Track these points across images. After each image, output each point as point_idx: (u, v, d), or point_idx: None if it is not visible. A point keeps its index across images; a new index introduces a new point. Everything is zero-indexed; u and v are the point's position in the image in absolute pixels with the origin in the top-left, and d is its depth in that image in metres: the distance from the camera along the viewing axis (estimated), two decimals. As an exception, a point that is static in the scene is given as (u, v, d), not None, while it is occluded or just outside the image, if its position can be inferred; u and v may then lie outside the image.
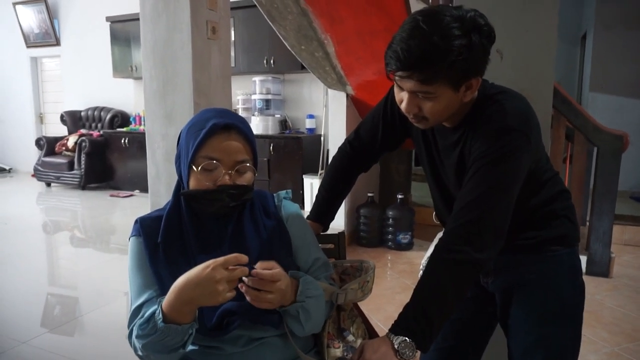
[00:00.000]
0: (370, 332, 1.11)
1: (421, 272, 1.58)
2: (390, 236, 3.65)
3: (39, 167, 6.30)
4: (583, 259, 3.03)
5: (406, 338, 0.84)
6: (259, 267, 0.84)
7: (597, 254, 3.02)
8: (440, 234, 1.60)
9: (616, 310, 2.55)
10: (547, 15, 1.30)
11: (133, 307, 0.89)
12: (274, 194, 1.08)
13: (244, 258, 0.79)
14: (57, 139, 6.45)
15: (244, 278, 0.82)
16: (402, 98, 0.91)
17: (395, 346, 0.84)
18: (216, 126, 0.90)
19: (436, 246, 0.91)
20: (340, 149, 1.27)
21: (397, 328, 0.86)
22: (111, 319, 2.45)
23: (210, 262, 0.77)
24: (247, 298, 0.84)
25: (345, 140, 1.26)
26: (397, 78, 0.88)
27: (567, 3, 5.56)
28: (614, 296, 2.74)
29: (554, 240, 1.02)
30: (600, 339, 2.22)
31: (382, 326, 2.25)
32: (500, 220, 0.88)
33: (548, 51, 1.32)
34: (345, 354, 0.99)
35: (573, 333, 1.04)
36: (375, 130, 1.17)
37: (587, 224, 3.17)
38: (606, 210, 3.00)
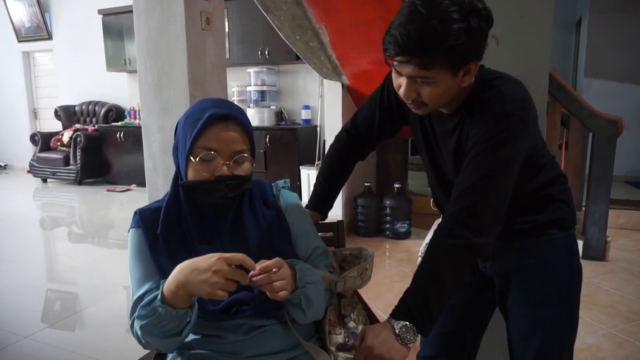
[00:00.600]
0: (371, 319, 1.12)
1: (420, 259, 1.59)
2: (388, 225, 3.67)
3: (35, 163, 6.27)
4: (579, 244, 3.06)
5: (407, 323, 0.85)
6: (258, 267, 0.84)
7: (593, 238, 3.05)
8: (438, 221, 1.60)
9: (612, 293, 2.58)
10: (542, 1, 1.30)
11: (135, 297, 0.90)
12: (272, 184, 1.09)
13: (251, 263, 0.80)
14: (51, 135, 6.41)
15: (254, 279, 0.83)
16: (401, 84, 0.91)
17: (397, 331, 0.85)
18: (213, 116, 0.90)
19: (435, 231, 0.92)
20: (337, 137, 1.27)
21: (398, 313, 0.87)
22: (111, 312, 2.46)
23: (216, 254, 0.79)
24: (267, 291, 0.85)
25: (342, 128, 1.26)
26: (395, 63, 0.88)
27: (562, -11, 5.54)
28: (610, 279, 2.77)
29: (550, 223, 1.03)
30: (597, 321, 2.25)
31: (382, 314, 2.26)
32: (498, 205, 0.89)
33: (544, 37, 1.32)
34: (346, 340, 1.00)
35: (571, 316, 1.05)
36: (372, 117, 1.17)
37: (583, 208, 3.19)
38: (602, 195, 3.02)
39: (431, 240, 0.92)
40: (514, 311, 1.07)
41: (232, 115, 0.91)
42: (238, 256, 0.79)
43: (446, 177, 1.08)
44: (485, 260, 1.11)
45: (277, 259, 0.86)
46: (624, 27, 5.02)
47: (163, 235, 0.93)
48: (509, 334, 1.10)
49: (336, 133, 1.28)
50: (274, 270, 0.84)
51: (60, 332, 2.26)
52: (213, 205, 0.94)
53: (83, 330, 2.34)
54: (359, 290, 1.14)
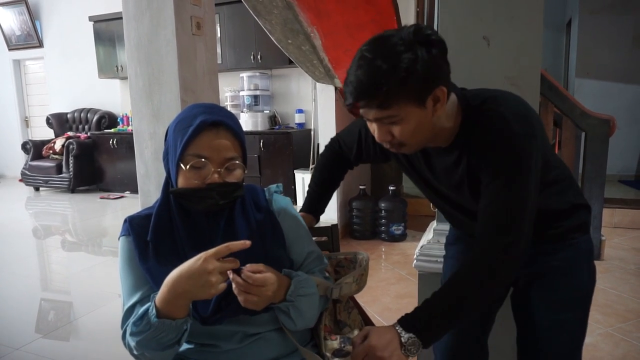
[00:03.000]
0: (367, 323, 1.11)
1: (415, 262, 1.57)
2: (383, 228, 3.66)
3: (27, 172, 6.22)
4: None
5: (415, 337, 0.84)
6: (248, 269, 0.83)
7: (588, 237, 3.05)
8: (433, 224, 1.59)
9: (608, 292, 2.58)
10: (532, 1, 1.30)
11: (126, 307, 0.88)
12: (265, 188, 1.07)
13: (235, 246, 0.78)
14: (43, 143, 6.37)
15: (232, 276, 0.83)
16: (373, 129, 0.91)
17: (403, 340, 0.84)
18: (204, 123, 0.88)
19: (469, 263, 0.89)
20: (328, 146, 1.28)
21: (409, 325, 0.86)
22: (105, 321, 2.43)
23: (201, 255, 0.77)
24: (236, 292, 0.84)
25: (335, 137, 1.27)
26: (362, 111, 0.88)
27: (552, -10, 5.59)
28: (605, 278, 2.77)
29: (576, 228, 1.03)
30: (594, 320, 2.25)
31: (378, 317, 2.26)
32: (529, 227, 0.88)
33: (534, 37, 1.32)
34: (342, 345, 0.99)
35: (586, 316, 1.06)
36: (353, 148, 1.19)
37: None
38: (596, 194, 3.03)
39: (466, 263, 0.90)
40: (535, 313, 1.05)
41: (223, 122, 0.90)
42: (223, 248, 0.78)
43: (459, 202, 1.05)
44: None
45: (267, 275, 0.85)
46: (613, 27, 5.06)
47: (154, 242, 0.92)
48: (525, 335, 1.09)
49: (330, 136, 1.30)
50: (256, 277, 0.83)
51: (54, 342, 2.23)
52: (204, 212, 0.93)
53: (78, 339, 2.31)
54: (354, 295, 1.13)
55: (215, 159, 0.89)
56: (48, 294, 2.95)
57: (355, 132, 1.18)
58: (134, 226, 0.94)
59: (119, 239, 0.96)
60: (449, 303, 0.87)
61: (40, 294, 2.92)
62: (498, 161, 0.88)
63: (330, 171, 1.28)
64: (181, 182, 0.90)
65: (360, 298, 1.16)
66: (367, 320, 1.11)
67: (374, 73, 0.81)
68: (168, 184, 0.96)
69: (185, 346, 0.94)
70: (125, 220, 0.96)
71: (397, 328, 0.86)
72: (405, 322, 0.86)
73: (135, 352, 0.86)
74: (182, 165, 0.89)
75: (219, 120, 0.90)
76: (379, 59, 0.81)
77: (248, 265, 0.84)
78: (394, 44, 0.81)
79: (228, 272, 0.81)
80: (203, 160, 0.89)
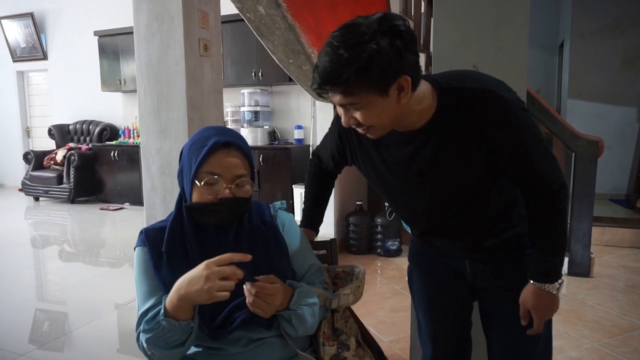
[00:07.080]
0: (362, 331, 1.19)
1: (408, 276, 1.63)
2: (379, 243, 3.74)
3: (27, 182, 6.27)
4: (564, 260, 3.15)
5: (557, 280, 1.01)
6: (262, 279, 0.94)
7: (577, 255, 3.14)
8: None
9: (597, 309, 2.66)
10: (518, 34, 1.41)
11: (140, 311, 0.96)
12: (270, 205, 1.16)
13: (237, 256, 0.87)
14: (45, 153, 6.44)
15: (245, 288, 0.92)
16: (341, 112, 0.93)
17: (558, 289, 1.01)
18: (217, 144, 0.98)
19: (536, 213, 1.00)
20: (310, 162, 1.34)
21: (552, 277, 1.01)
22: (101, 333, 2.44)
23: (205, 262, 0.87)
24: (247, 301, 0.92)
25: (314, 153, 1.33)
26: (329, 94, 0.90)
27: (545, 14, 5.76)
28: (594, 295, 2.85)
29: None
30: (581, 335, 2.32)
31: (373, 330, 2.30)
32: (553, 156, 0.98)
33: (520, 66, 1.42)
34: (339, 351, 1.07)
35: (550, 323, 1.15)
36: (332, 164, 1.25)
37: (568, 226, 3.28)
38: (585, 213, 3.12)
39: (539, 215, 1.00)
40: (507, 321, 1.11)
41: (234, 143, 1.00)
42: (225, 256, 0.87)
43: (415, 197, 1.07)
44: (475, 276, 1.16)
45: (276, 286, 0.95)
46: (603, 50, 5.23)
47: (167, 253, 1.00)
48: (497, 338, 1.15)
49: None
50: (269, 286, 0.93)
51: (49, 354, 2.23)
52: (215, 225, 1.01)
53: (73, 351, 2.30)
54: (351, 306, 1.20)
55: (226, 176, 0.99)
56: (43, 305, 2.94)
57: (328, 149, 1.23)
58: (149, 237, 1.02)
59: (134, 249, 1.04)
60: (552, 245, 1.01)
61: (35, 304, 2.91)
62: (508, 131, 0.91)
63: (318, 185, 1.35)
64: (195, 197, 0.99)
65: (356, 311, 1.24)
66: (362, 329, 1.19)
67: (336, 61, 0.82)
68: (181, 199, 1.04)
69: (193, 349, 1.02)
70: (141, 232, 1.04)
71: (543, 287, 1.00)
72: (548, 277, 1.01)
73: (147, 352, 0.93)
74: (196, 181, 0.98)
75: (230, 141, 0.99)
76: (342, 48, 0.82)
77: (262, 277, 0.93)
78: (360, 33, 0.82)
79: (245, 284, 0.91)
80: (216, 177, 0.98)
